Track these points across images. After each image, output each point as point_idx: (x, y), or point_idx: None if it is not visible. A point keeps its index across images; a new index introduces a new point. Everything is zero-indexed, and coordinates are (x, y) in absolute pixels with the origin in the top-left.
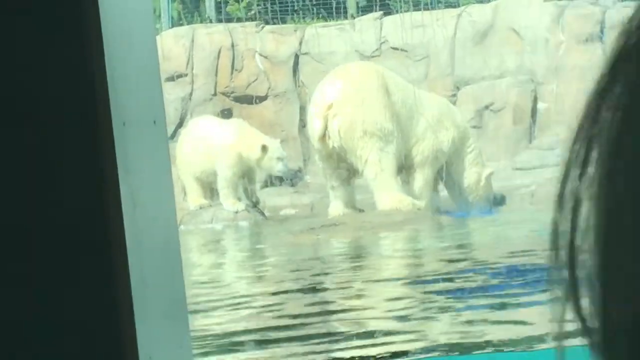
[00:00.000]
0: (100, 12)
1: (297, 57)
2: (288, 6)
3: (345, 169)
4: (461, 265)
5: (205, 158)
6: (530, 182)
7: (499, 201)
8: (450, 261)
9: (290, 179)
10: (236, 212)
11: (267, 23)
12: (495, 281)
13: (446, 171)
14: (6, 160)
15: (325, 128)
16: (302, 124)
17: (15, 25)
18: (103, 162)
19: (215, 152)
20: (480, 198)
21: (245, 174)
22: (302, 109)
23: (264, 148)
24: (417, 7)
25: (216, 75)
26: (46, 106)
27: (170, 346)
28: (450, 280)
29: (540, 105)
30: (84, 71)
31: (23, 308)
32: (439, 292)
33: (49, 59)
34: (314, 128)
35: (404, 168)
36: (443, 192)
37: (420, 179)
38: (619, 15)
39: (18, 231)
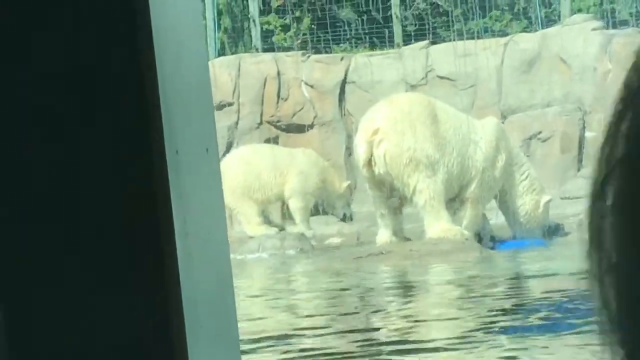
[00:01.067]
0: (154, 38)
1: (343, 85)
2: (334, 35)
3: (393, 197)
4: (508, 302)
5: (273, 185)
6: (578, 212)
7: (552, 230)
8: (496, 297)
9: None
10: (310, 237)
11: (313, 52)
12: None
13: (500, 198)
14: (59, 194)
15: (371, 153)
16: (348, 153)
17: (68, 49)
18: (156, 191)
19: (291, 180)
20: (537, 225)
21: (313, 204)
22: (348, 138)
23: (349, 186)
24: (464, 36)
25: (262, 104)
26: (99, 135)
27: None
28: (502, 314)
29: (588, 134)
30: (137, 99)
31: (75, 332)
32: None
33: (102, 86)
34: (359, 153)
35: (457, 197)
36: (493, 220)
37: (472, 208)
38: None
39: (71, 263)
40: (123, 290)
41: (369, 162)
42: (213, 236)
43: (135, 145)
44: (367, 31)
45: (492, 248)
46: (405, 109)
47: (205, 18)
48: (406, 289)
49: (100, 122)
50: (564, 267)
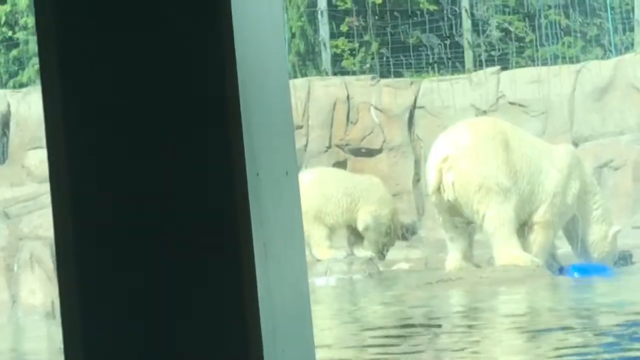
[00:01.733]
0: (237, 62)
1: (412, 110)
2: (404, 60)
3: (463, 222)
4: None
5: (345, 210)
6: None
7: (623, 260)
8: (568, 328)
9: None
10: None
11: (382, 77)
12: None
13: (572, 226)
14: (139, 220)
15: (440, 181)
16: (417, 178)
17: (156, 80)
18: (237, 213)
19: (358, 206)
20: (605, 255)
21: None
22: (417, 163)
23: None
24: (535, 62)
25: (331, 127)
26: (182, 156)
27: None
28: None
29: None
30: (220, 122)
31: (152, 355)
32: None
33: (187, 110)
34: (429, 179)
35: (527, 224)
36: (562, 248)
37: (543, 235)
38: None
39: (154, 284)
40: (203, 316)
41: (439, 189)
42: (292, 261)
43: (217, 168)
44: (437, 56)
45: (561, 274)
46: (477, 134)
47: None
48: (475, 315)
49: (184, 145)
50: (632, 297)
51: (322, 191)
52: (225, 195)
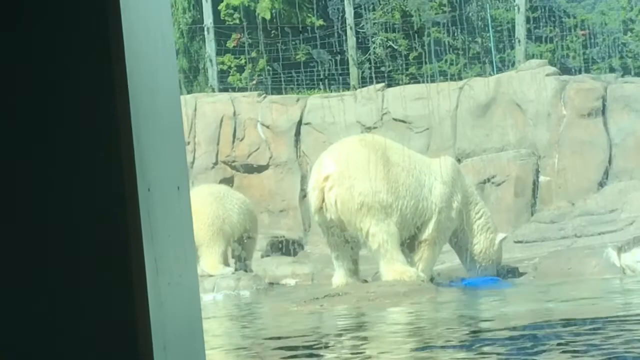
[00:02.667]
0: (128, 78)
1: (298, 127)
2: (290, 77)
3: (347, 240)
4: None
5: (237, 225)
6: (532, 255)
7: (507, 271)
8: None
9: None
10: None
11: (269, 93)
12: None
13: (455, 237)
14: (31, 225)
15: (322, 200)
16: (303, 194)
17: (47, 90)
18: (128, 226)
19: (252, 221)
20: (492, 263)
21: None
22: (303, 179)
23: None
24: (418, 80)
25: (218, 143)
26: (72, 171)
27: None
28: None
29: (542, 179)
30: (110, 137)
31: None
32: None
33: (76, 125)
34: (311, 199)
35: (413, 238)
36: (450, 261)
37: (429, 252)
38: (620, 90)
39: (42, 296)
40: (92, 329)
41: (321, 208)
42: (183, 276)
43: (107, 182)
44: (323, 73)
45: (451, 286)
46: (356, 152)
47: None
48: (361, 329)
49: (72, 158)
50: (517, 308)
51: (216, 209)
52: (115, 210)
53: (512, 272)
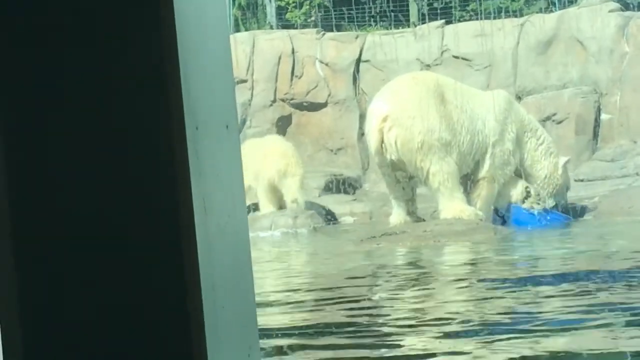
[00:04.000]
0: (175, 15)
1: (357, 64)
2: (349, 14)
3: (406, 179)
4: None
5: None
6: (592, 194)
7: (573, 210)
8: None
9: None
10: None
11: (325, 29)
12: None
13: (522, 167)
14: (82, 164)
15: (382, 141)
16: (361, 132)
17: (92, 26)
18: (176, 166)
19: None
20: (559, 188)
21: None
22: (362, 117)
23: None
24: (479, 16)
25: (276, 81)
26: (120, 110)
27: (240, 355)
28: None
29: (604, 117)
30: (157, 75)
31: (93, 311)
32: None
33: (124, 63)
34: (370, 141)
35: (471, 179)
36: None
37: (487, 190)
38: None
39: (91, 236)
40: (140, 266)
41: (381, 149)
42: (233, 215)
43: (155, 121)
44: (382, 10)
45: (503, 224)
46: (410, 92)
47: None
48: (419, 268)
49: (120, 96)
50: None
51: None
52: (163, 149)
53: (572, 211)
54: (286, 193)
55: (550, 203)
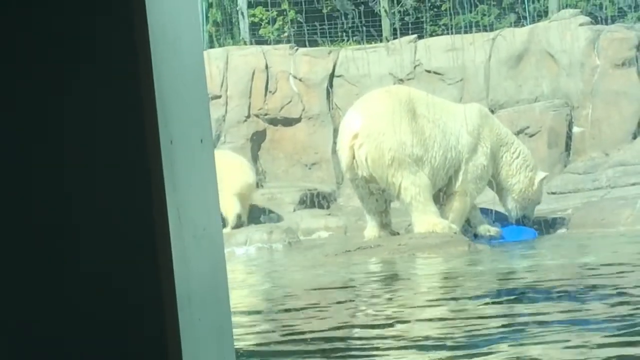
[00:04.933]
0: (149, 31)
1: (331, 79)
2: (322, 29)
3: (380, 193)
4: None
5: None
6: (565, 207)
7: (544, 224)
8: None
9: None
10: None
11: (299, 45)
12: None
13: (495, 181)
14: (57, 178)
15: (353, 157)
16: (336, 147)
17: (63, 43)
18: (151, 179)
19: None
20: (531, 203)
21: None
22: (336, 132)
23: None
24: (451, 30)
25: (250, 97)
26: (95, 124)
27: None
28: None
29: (576, 130)
30: (132, 89)
31: (66, 326)
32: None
33: (98, 77)
34: (342, 157)
35: (445, 192)
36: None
37: (460, 203)
38: None
39: (65, 248)
40: (115, 279)
41: (352, 166)
42: (208, 227)
43: (129, 135)
44: (354, 25)
45: (476, 239)
46: (382, 106)
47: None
48: (393, 280)
49: (95, 111)
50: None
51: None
52: (138, 163)
53: (544, 223)
54: (232, 208)
55: (519, 216)
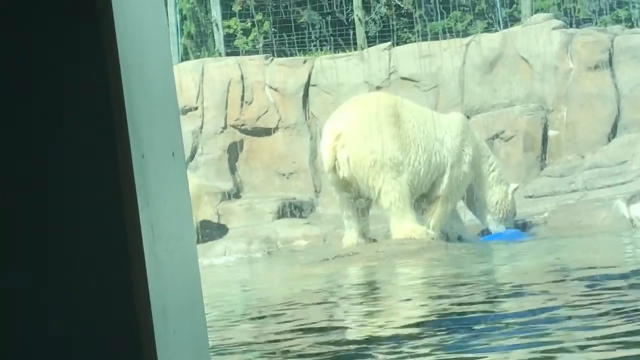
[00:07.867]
0: (118, 45)
1: (306, 88)
2: (297, 39)
3: (359, 199)
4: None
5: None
6: (542, 210)
7: (521, 227)
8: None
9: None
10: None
11: (275, 55)
12: None
13: (471, 191)
14: (26, 192)
15: (335, 158)
16: (313, 156)
17: (33, 58)
18: (123, 193)
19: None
20: (508, 214)
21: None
22: (313, 141)
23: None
24: (425, 37)
25: (226, 108)
26: (66, 138)
27: None
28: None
29: (551, 133)
30: (102, 104)
31: (41, 342)
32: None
33: (68, 92)
34: (324, 158)
35: (426, 196)
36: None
37: (440, 208)
38: (627, 41)
39: (38, 263)
40: (91, 294)
41: (334, 167)
42: (181, 241)
43: (101, 150)
44: (329, 34)
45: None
46: (368, 110)
47: (168, 23)
48: (372, 287)
49: (66, 126)
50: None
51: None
52: (110, 177)
53: (524, 228)
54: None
55: (501, 228)
